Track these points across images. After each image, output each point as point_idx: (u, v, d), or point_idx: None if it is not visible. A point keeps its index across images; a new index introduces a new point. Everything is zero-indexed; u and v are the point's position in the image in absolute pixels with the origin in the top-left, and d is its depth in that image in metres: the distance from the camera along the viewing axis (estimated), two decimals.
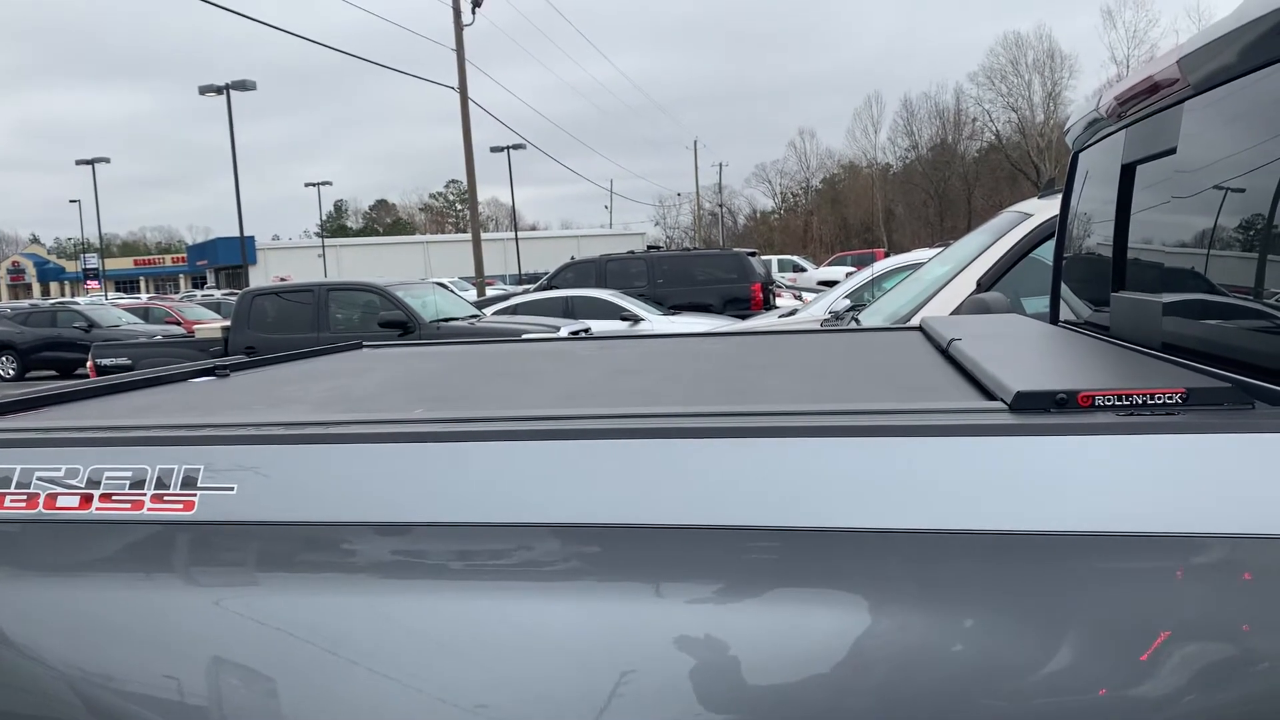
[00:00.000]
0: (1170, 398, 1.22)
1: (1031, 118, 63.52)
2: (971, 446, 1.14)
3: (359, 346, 2.96)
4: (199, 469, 1.29)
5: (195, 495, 1.28)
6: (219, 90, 30.72)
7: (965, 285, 4.53)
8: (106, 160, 49.16)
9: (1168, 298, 1.70)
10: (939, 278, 4.92)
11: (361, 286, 12.22)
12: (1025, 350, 1.82)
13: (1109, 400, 1.23)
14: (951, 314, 4.24)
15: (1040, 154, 60.07)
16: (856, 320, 5.56)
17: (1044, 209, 4.59)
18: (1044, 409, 1.24)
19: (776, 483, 1.16)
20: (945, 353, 2.04)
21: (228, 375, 2.30)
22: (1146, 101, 1.89)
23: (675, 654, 1.07)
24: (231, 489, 1.28)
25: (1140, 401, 1.22)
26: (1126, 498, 1.09)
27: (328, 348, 2.87)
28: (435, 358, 2.57)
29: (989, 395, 1.43)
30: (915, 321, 3.63)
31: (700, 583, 1.12)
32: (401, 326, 11.31)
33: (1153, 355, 1.68)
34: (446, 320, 11.82)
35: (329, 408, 1.69)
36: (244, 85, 30.66)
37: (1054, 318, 2.74)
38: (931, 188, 68.01)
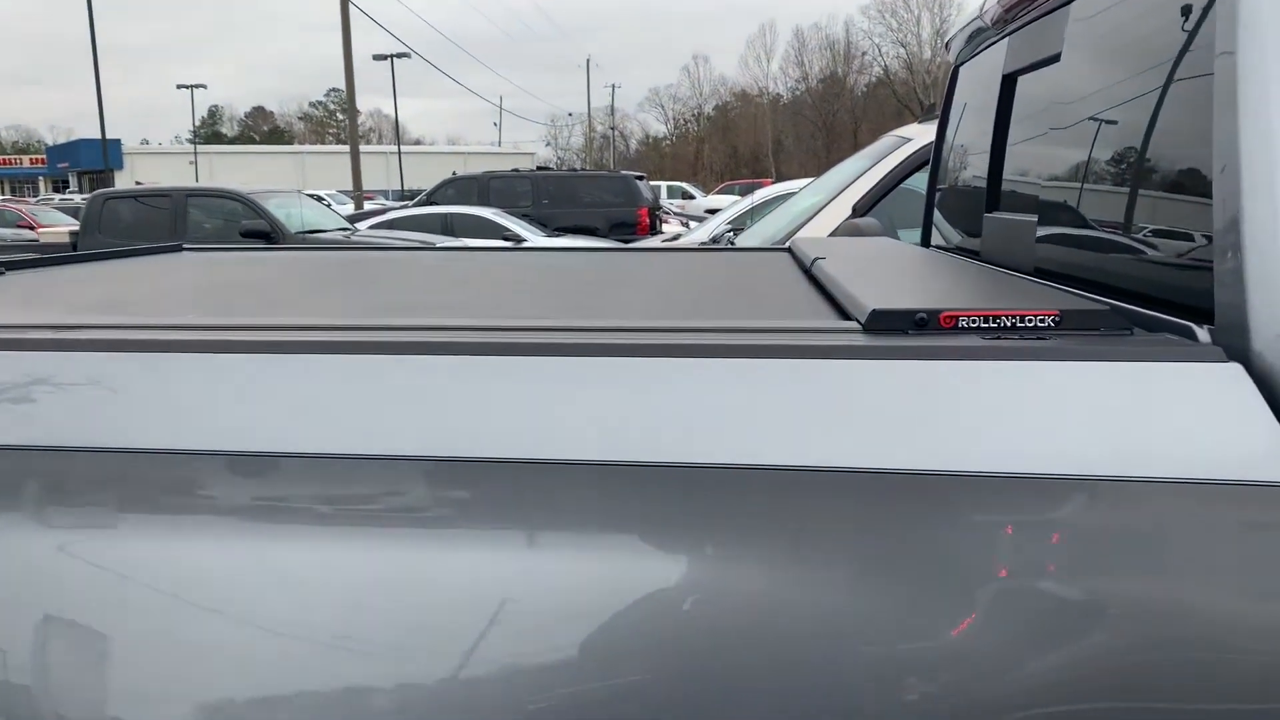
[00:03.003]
0: (1043, 320, 1.08)
1: (919, 54, 64.29)
2: (817, 370, 0.98)
3: (179, 249, 2.67)
4: None
5: None
6: None
7: (841, 209, 4.42)
8: None
9: (1043, 218, 1.57)
10: (816, 203, 4.81)
11: (223, 193, 11.59)
12: (890, 271, 1.68)
13: (974, 321, 1.09)
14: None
15: (926, 90, 60.89)
16: (732, 243, 5.43)
17: (924, 134, 4.49)
18: (901, 330, 1.09)
19: (595, 410, 0.98)
20: (808, 273, 1.90)
21: (3, 274, 2.01)
22: (1031, 6, 1.75)
23: (478, 598, 0.91)
24: None
25: (1009, 324, 1.08)
26: (991, 431, 0.95)
27: (141, 248, 2.59)
28: (261, 263, 2.31)
29: (845, 315, 1.28)
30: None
31: (509, 523, 0.94)
32: (264, 236, 10.74)
33: (1025, 279, 1.55)
34: (314, 232, 11.29)
35: (84, 313, 1.44)
36: None
37: (925, 240, 2.62)
38: (820, 120, 68.43)
